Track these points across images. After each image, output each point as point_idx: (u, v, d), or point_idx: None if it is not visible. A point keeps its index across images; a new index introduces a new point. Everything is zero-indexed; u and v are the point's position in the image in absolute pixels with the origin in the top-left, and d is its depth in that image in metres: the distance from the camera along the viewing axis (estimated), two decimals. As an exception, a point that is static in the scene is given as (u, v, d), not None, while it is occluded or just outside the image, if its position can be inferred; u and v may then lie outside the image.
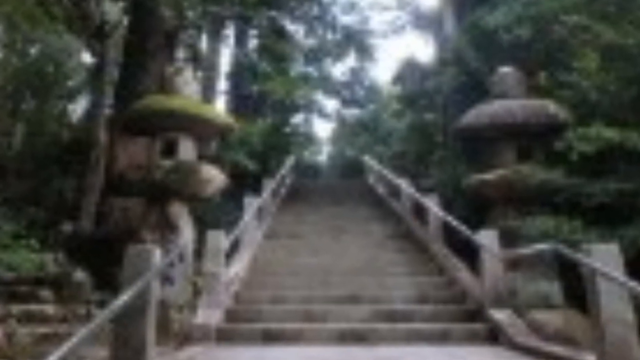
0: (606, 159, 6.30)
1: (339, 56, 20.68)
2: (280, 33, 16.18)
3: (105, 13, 11.50)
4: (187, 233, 7.50)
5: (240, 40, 18.51)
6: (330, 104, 23.53)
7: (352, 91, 22.65)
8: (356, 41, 19.91)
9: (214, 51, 16.57)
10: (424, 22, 15.81)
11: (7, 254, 7.06)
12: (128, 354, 3.64)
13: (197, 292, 6.23)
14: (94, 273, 6.87)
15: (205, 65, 15.52)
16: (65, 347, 2.51)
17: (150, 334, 3.77)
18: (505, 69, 8.36)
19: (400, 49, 40.60)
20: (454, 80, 10.15)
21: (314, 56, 20.01)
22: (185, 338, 5.26)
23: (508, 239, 6.27)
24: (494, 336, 5.26)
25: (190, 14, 11.50)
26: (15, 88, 11.94)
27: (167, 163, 7.55)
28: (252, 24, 16.06)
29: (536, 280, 6.10)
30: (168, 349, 4.87)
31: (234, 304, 6.17)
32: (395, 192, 11.24)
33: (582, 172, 6.38)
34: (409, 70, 16.38)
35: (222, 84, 18.30)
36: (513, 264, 6.25)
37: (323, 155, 27.52)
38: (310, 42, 19.88)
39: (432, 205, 8.19)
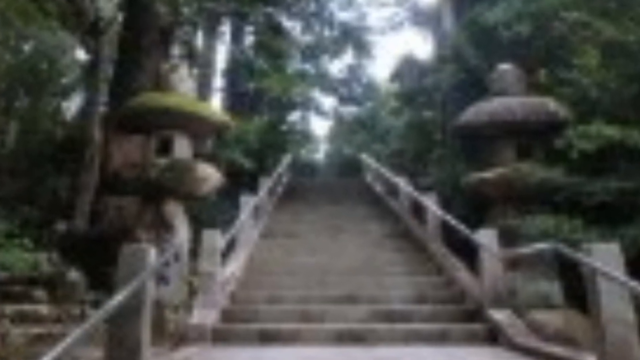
0: (607, 157, 6.27)
1: (336, 53, 20.62)
2: (277, 30, 16.08)
3: (99, 9, 11.42)
4: (182, 232, 7.46)
5: (237, 37, 18.39)
6: (328, 102, 23.50)
7: (349, 88, 22.60)
8: (354, 38, 19.84)
9: (210, 48, 16.44)
10: (422, 18, 15.75)
11: (0, 254, 6.98)
12: (123, 355, 3.63)
13: (192, 292, 6.20)
14: (89, 273, 6.83)
15: (200, 62, 15.42)
16: (59, 348, 2.50)
17: (145, 334, 3.75)
18: (504, 66, 8.32)
19: (398, 45, 40.41)
20: (453, 77, 10.10)
21: (311, 53, 19.94)
22: (181, 338, 5.22)
23: (507, 238, 6.25)
24: (494, 336, 5.23)
25: (185, 10, 11.41)
26: (8, 85, 11.84)
27: (163, 161, 7.51)
28: (249, 20, 15.97)
29: (536, 280, 6.06)
30: (163, 349, 4.83)
31: (230, 304, 6.12)
32: (394, 190, 11.20)
33: (583, 170, 6.35)
34: (407, 67, 16.33)
35: (218, 81, 18.22)
36: (513, 264, 6.22)
37: (320, 154, 27.49)
38: (307, 38, 19.80)
39: (431, 204, 8.14)
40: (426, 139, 11.96)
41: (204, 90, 15.11)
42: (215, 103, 16.91)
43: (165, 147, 7.69)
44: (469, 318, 5.70)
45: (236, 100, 16.94)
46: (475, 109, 8.11)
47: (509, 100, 7.92)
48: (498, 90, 8.18)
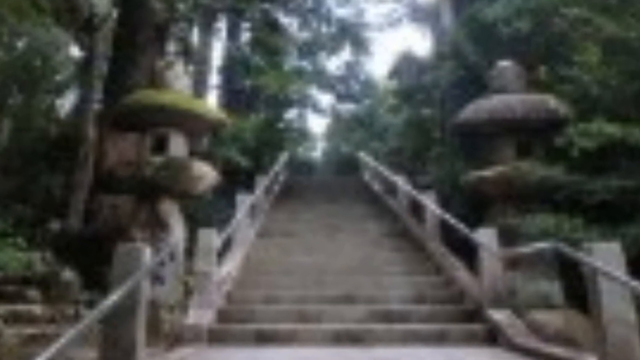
0: (608, 155, 6.24)
1: (333, 50, 20.54)
2: (274, 26, 16.01)
3: (94, 5, 11.34)
4: (178, 231, 7.44)
5: (233, 33, 18.27)
6: (325, 99, 23.46)
7: (347, 86, 22.52)
8: (351, 34, 19.77)
9: (206, 45, 16.35)
10: (421, 14, 15.68)
11: (-7, 253, 6.92)
12: (117, 355, 3.62)
13: (188, 292, 6.18)
14: (83, 272, 6.79)
15: (196, 59, 15.34)
16: (53, 349, 2.49)
17: (140, 334, 3.74)
18: (504, 63, 8.28)
19: (396, 42, 40.61)
20: (452, 74, 10.04)
21: (308, 50, 19.85)
22: (176, 339, 5.21)
23: (507, 237, 6.19)
24: (493, 337, 5.20)
25: (181, 6, 11.34)
26: (2, 83, 11.72)
27: (158, 159, 7.50)
28: (245, 16, 15.89)
29: (536, 280, 6.01)
30: (158, 350, 4.80)
31: (226, 304, 6.08)
32: (392, 189, 11.16)
33: (583, 168, 6.32)
34: (405, 64, 16.25)
35: (214, 79, 18.10)
36: (512, 263, 6.18)
37: (317, 152, 27.40)
38: (305, 35, 19.73)
39: (430, 202, 8.09)
40: (425, 136, 11.90)
41: (199, 87, 15.03)
42: (211, 100, 16.83)
43: (160, 145, 7.68)
44: (468, 318, 5.66)
45: (232, 98, 16.82)
46: (475, 106, 8.08)
47: (508, 97, 7.88)
48: (497, 87, 8.14)
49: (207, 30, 16.14)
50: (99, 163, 8.78)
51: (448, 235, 7.57)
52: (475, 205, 8.10)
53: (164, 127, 7.70)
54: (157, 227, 7.29)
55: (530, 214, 6.56)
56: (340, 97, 22.73)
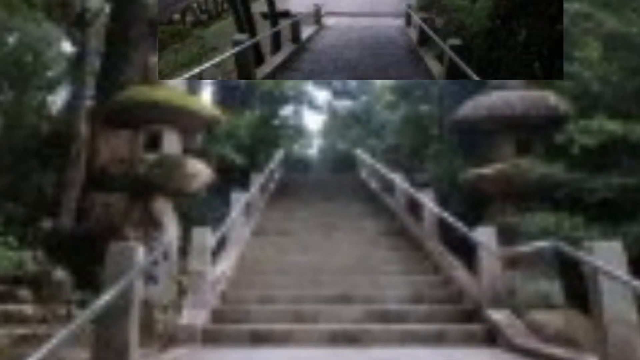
0: (609, 152, 6.24)
1: (330, 46, 20.40)
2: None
3: (86, 0, 11.21)
4: (171, 230, 7.44)
5: (229, 29, 18.15)
6: (321, 95, 23.35)
7: (343, 82, 22.43)
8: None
9: (201, 41, 16.20)
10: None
11: (-17, 252, 6.83)
12: (110, 356, 3.61)
13: (182, 292, 6.13)
14: (75, 272, 6.76)
15: (191, 55, 15.18)
16: (44, 349, 2.48)
17: (133, 335, 3.73)
18: (502, 59, 8.21)
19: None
20: (450, 70, 9.95)
21: (305, 46, 19.73)
22: (170, 339, 5.16)
23: (506, 236, 6.16)
24: (492, 337, 5.15)
25: (175, 1, 11.20)
26: (-7, 79, 11.60)
27: (151, 157, 7.53)
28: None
29: (536, 279, 6.00)
30: (152, 350, 4.76)
31: (221, 304, 6.03)
32: (389, 187, 11.13)
33: (584, 166, 6.32)
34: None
35: (209, 75, 17.95)
36: (512, 262, 6.16)
37: (313, 149, 27.35)
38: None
39: (428, 201, 8.03)
40: (423, 133, 11.87)
41: (193, 83, 14.87)
42: (205, 97, 16.70)
43: (153, 142, 7.69)
44: (467, 318, 5.62)
45: (227, 94, 16.73)
46: (474, 102, 8.08)
47: (508, 94, 7.88)
48: (497, 83, 8.10)
49: (202, 26, 16.01)
50: (91, 160, 8.72)
51: (446, 234, 7.53)
52: (474, 204, 8.09)
53: (158, 124, 7.70)
54: (151, 225, 7.27)
55: (530, 212, 6.58)
56: (337, 94, 22.68)
